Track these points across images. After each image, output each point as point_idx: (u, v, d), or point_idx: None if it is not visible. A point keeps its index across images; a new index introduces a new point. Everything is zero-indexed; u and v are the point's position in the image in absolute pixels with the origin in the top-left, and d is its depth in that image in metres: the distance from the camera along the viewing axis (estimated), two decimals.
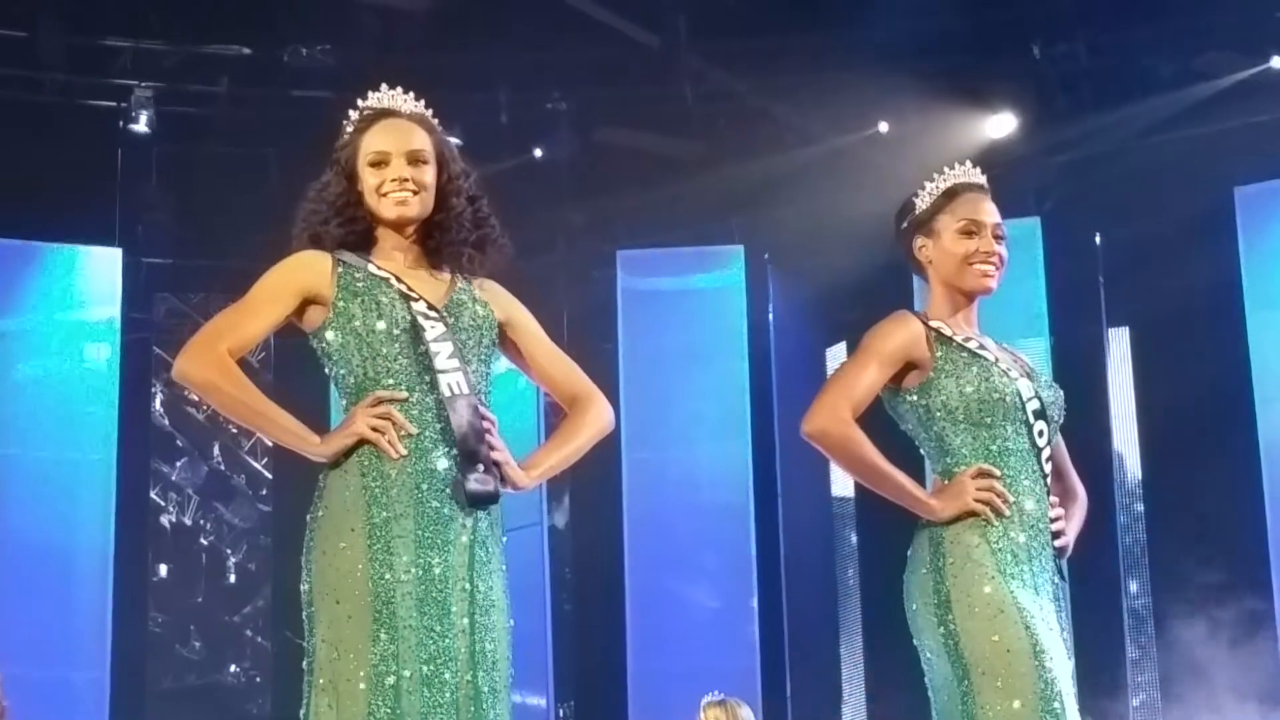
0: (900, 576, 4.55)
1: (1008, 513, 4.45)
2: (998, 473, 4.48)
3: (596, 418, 4.45)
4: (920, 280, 4.78)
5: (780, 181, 12.77)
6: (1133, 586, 12.11)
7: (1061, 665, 4.38)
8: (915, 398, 4.57)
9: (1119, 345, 12.59)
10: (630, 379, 12.62)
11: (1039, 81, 12.33)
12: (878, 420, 4.60)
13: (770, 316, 13.25)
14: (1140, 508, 12.38)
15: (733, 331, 12.92)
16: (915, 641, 4.51)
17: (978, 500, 4.44)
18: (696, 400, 12.78)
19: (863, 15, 11.79)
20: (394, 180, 4.27)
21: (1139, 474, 12.49)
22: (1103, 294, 12.21)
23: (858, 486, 12.94)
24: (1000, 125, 12.37)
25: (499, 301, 4.41)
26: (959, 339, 4.58)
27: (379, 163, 4.29)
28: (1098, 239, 12.32)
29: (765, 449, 12.79)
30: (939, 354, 4.55)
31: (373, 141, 4.31)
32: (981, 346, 4.61)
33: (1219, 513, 11.25)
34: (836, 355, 13.22)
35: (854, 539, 13.75)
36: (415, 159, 4.30)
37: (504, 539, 4.26)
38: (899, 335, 4.55)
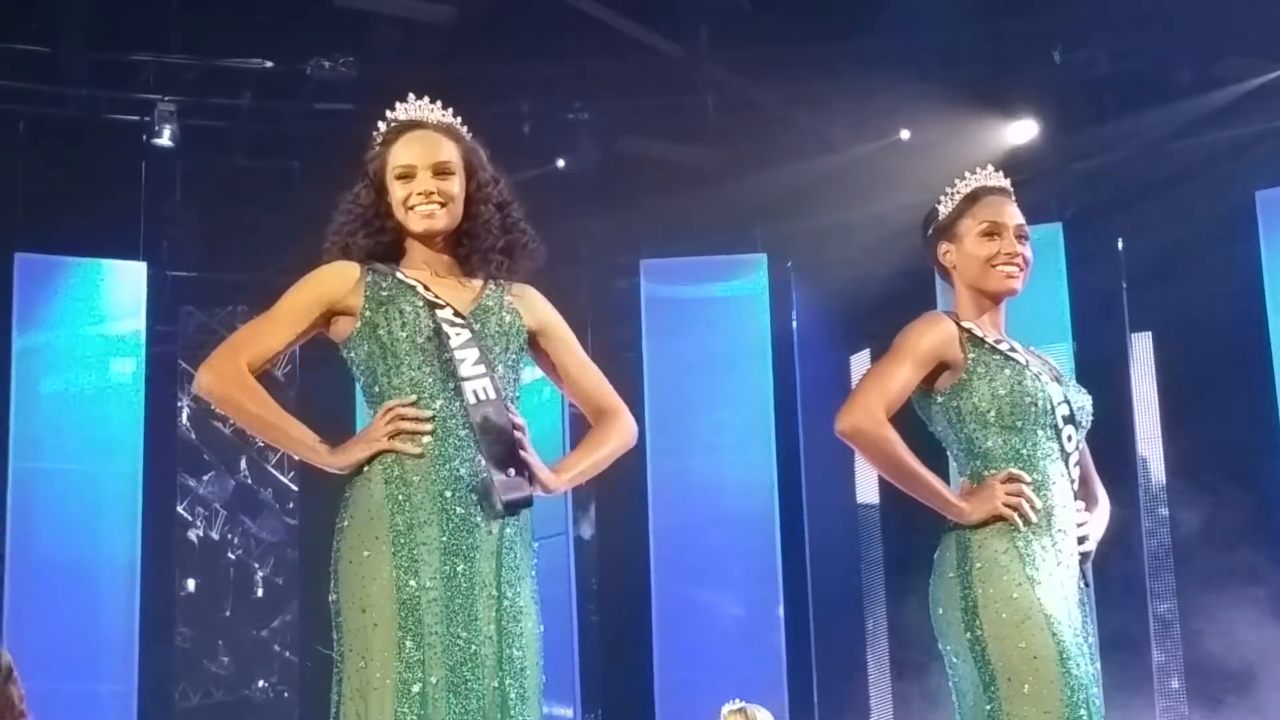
0: (926, 583, 4.54)
1: (1035, 518, 4.44)
2: (1027, 478, 4.46)
3: (621, 432, 4.45)
4: (946, 285, 4.76)
5: (802, 190, 12.78)
6: (1158, 590, 12.10)
7: (1088, 671, 4.38)
8: (946, 399, 4.55)
9: (1142, 350, 12.59)
10: (654, 388, 12.64)
11: (1060, 88, 12.34)
12: (907, 421, 4.60)
13: (794, 324, 13.26)
14: (1164, 511, 12.37)
15: (756, 340, 12.93)
16: (940, 646, 4.49)
17: (1006, 505, 4.42)
18: (720, 409, 12.79)
19: (883, 23, 11.79)
20: (420, 194, 4.27)
21: (1163, 478, 12.47)
22: (1125, 299, 12.21)
23: (883, 493, 13.08)
24: (1021, 132, 12.36)
25: (533, 308, 4.39)
26: (990, 341, 4.57)
27: (405, 176, 4.29)
28: (1120, 244, 12.32)
29: (790, 456, 12.79)
30: (971, 356, 4.54)
31: (399, 155, 4.31)
32: (1012, 349, 4.59)
33: (1243, 516, 11.22)
34: (860, 363, 13.24)
35: (879, 546, 13.74)
36: (441, 170, 4.29)
37: (535, 545, 4.26)
38: (933, 335, 4.54)
